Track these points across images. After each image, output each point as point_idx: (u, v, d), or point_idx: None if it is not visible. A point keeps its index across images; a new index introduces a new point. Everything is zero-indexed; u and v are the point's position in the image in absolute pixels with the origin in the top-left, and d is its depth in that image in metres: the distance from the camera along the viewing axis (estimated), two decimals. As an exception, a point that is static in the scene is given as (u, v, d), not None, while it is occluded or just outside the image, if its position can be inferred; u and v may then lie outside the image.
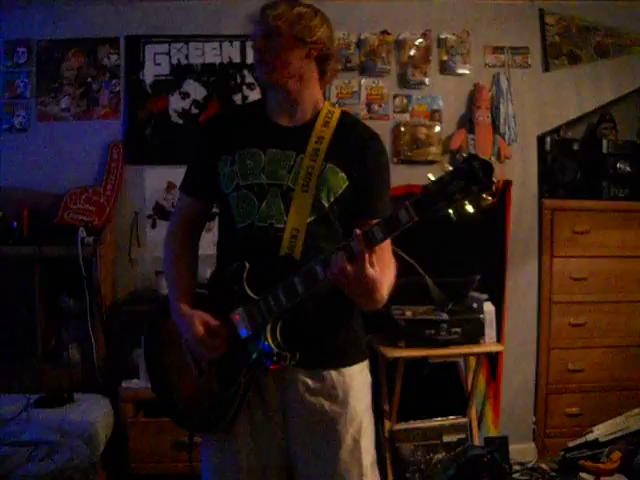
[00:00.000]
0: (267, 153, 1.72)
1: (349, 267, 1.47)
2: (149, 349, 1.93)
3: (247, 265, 1.67)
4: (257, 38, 1.73)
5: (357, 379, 1.76)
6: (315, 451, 1.71)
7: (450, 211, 1.41)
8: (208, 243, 3.46)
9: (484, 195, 1.38)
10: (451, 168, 1.40)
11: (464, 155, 1.41)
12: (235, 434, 1.71)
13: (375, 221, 1.52)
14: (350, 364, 1.76)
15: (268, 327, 1.64)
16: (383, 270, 1.57)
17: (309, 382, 1.71)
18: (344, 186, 1.71)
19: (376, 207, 1.74)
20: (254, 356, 1.65)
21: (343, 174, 1.71)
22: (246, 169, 1.72)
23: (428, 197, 1.41)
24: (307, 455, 1.72)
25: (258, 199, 1.70)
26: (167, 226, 1.93)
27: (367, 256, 1.47)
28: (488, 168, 1.36)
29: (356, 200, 1.73)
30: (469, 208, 1.41)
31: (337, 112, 1.79)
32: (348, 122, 1.79)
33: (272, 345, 1.63)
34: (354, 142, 1.75)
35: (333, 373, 1.72)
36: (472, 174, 1.37)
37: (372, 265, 1.48)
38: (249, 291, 1.67)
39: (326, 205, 1.69)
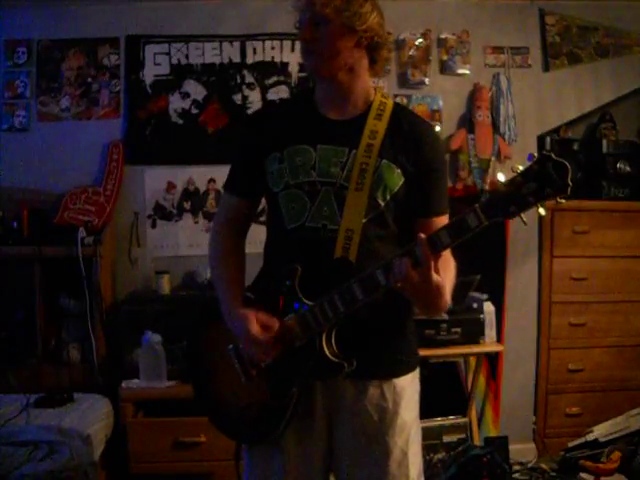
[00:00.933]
0: (318, 149, 1.63)
1: (413, 273, 1.40)
2: (194, 355, 1.85)
3: (299, 268, 1.58)
4: (303, 26, 1.61)
5: (408, 389, 1.69)
6: (361, 462, 1.64)
7: (522, 215, 1.37)
8: (207, 243, 3.51)
9: (558, 198, 1.32)
10: (522, 169, 1.33)
11: (536, 155, 1.33)
12: (282, 441, 1.64)
13: (439, 223, 1.51)
14: (402, 374, 1.68)
15: (324, 335, 1.56)
16: (445, 272, 1.51)
17: (359, 391, 1.64)
18: (400, 183, 1.62)
19: (434, 206, 1.66)
20: (308, 365, 1.57)
21: (399, 170, 1.62)
22: (296, 166, 1.63)
23: (499, 200, 1.36)
24: (352, 466, 1.65)
25: (310, 198, 1.61)
26: (212, 226, 1.85)
27: (432, 262, 1.40)
28: (563, 169, 1.30)
29: (413, 198, 1.64)
30: (542, 211, 1.35)
31: (390, 103, 1.69)
32: (402, 114, 1.69)
33: (328, 354, 1.55)
34: (409, 136, 1.65)
35: (385, 383, 1.65)
36: (546, 176, 1.30)
37: (437, 271, 1.42)
38: (302, 296, 1.58)
39: (382, 204, 1.60)
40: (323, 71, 1.64)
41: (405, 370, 1.70)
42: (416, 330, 1.75)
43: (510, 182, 1.35)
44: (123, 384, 3.10)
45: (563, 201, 1.33)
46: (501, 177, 1.39)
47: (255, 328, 1.57)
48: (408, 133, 1.65)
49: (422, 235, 1.41)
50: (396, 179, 1.62)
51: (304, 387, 1.60)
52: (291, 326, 1.58)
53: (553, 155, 1.31)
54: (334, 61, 1.61)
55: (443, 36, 3.62)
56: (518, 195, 1.34)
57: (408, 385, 1.69)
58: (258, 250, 1.77)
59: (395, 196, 1.62)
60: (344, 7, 1.57)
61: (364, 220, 1.59)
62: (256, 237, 1.87)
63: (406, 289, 1.44)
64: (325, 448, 1.67)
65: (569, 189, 1.30)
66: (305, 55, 1.67)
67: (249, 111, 3.52)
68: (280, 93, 3.54)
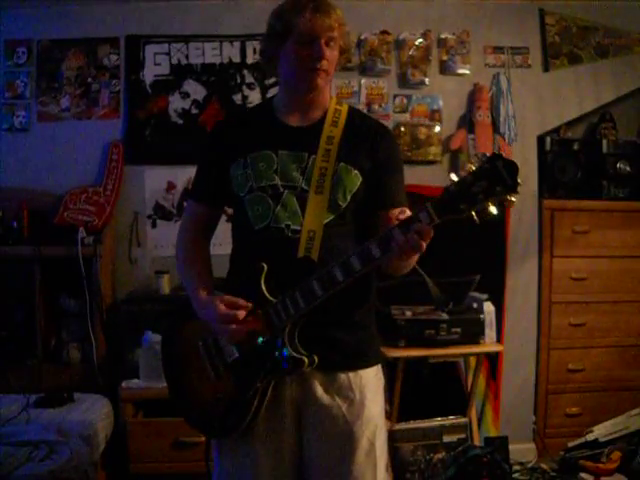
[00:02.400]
0: (279, 154, 1.72)
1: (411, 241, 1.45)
2: (167, 352, 1.93)
3: (265, 267, 1.65)
4: (319, 48, 1.65)
5: (372, 381, 1.76)
6: (329, 453, 1.69)
7: (473, 213, 1.39)
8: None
9: (509, 196, 1.35)
10: (474, 168, 1.37)
11: (487, 154, 1.37)
12: (250, 436, 1.69)
13: (397, 213, 1.58)
14: (367, 366, 1.75)
15: (286, 331, 1.62)
16: None
17: (326, 383, 1.70)
18: (358, 183, 1.71)
19: (394, 197, 1.74)
20: (272, 360, 1.63)
21: (357, 171, 1.71)
22: (259, 171, 1.71)
23: (450, 198, 1.39)
24: (321, 457, 1.70)
25: (273, 201, 1.70)
26: (178, 232, 1.89)
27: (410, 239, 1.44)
28: (513, 168, 1.33)
29: (372, 193, 1.72)
30: (493, 210, 1.38)
31: (344, 110, 1.78)
32: (356, 118, 1.79)
33: (290, 350, 1.61)
34: (364, 137, 1.75)
35: (350, 375, 1.71)
36: (496, 174, 1.34)
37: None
38: (267, 293, 1.64)
39: (342, 205, 1.69)
40: (323, 86, 1.73)
41: (370, 362, 1.77)
42: (377, 326, 1.82)
43: (461, 181, 1.39)
44: (123, 384, 3.10)
45: (513, 199, 1.36)
46: (453, 177, 1.40)
47: (222, 307, 1.63)
48: (363, 133, 1.76)
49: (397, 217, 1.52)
50: (354, 180, 1.71)
51: (269, 381, 1.66)
52: (256, 319, 1.64)
53: (503, 154, 1.36)
54: (331, 76, 1.73)
55: (443, 36, 3.62)
56: (468, 193, 1.37)
57: (373, 377, 1.76)
58: (228, 252, 1.83)
59: (354, 196, 1.71)
60: (343, 28, 1.70)
61: (325, 221, 1.68)
62: (227, 239, 1.90)
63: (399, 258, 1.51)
64: (294, 441, 1.71)
65: (518, 187, 1.34)
66: (315, 74, 1.68)
67: (249, 111, 3.53)
68: (280, 93, 3.54)
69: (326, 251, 1.65)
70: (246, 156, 1.73)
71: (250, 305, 1.64)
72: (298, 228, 1.67)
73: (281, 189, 1.70)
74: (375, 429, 1.73)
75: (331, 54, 1.68)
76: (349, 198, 1.70)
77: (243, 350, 1.68)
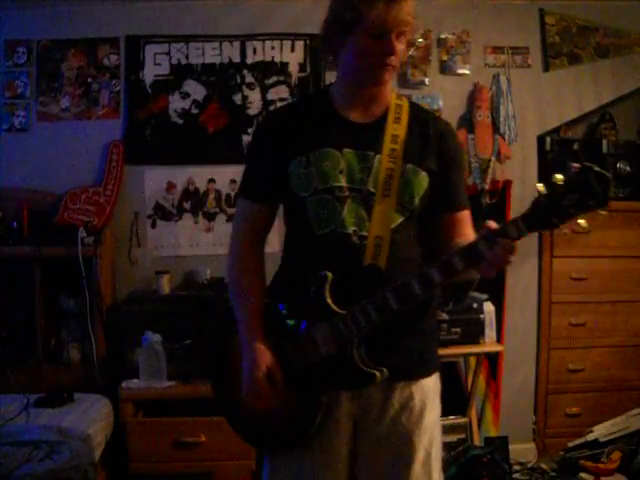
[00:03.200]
0: (344, 153, 1.61)
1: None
2: (218, 356, 1.80)
3: (330, 276, 1.55)
4: (388, 41, 1.53)
5: (433, 389, 1.70)
6: (386, 464, 1.63)
7: (562, 227, 1.36)
8: (207, 243, 3.52)
9: (600, 210, 1.30)
10: (562, 179, 1.32)
11: (577, 165, 1.31)
12: (306, 450, 1.63)
13: (463, 217, 1.63)
14: (429, 374, 1.70)
15: (355, 344, 1.54)
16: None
17: (386, 394, 1.63)
18: (426, 185, 1.62)
19: (459, 200, 1.69)
20: (340, 375, 1.56)
21: (424, 173, 1.63)
22: (324, 171, 1.59)
23: (540, 211, 1.36)
24: (377, 468, 1.64)
25: (339, 204, 1.59)
26: (231, 235, 1.74)
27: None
28: (605, 180, 1.28)
29: (437, 196, 1.65)
30: (582, 223, 1.34)
31: (405, 105, 1.68)
32: (419, 114, 1.69)
33: (359, 363, 1.54)
34: (430, 136, 1.65)
35: (412, 384, 1.65)
36: (588, 187, 1.29)
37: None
38: (332, 304, 1.55)
39: (409, 209, 1.61)
40: (388, 80, 1.62)
41: (431, 370, 1.71)
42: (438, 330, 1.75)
43: (551, 193, 1.34)
44: (123, 384, 3.10)
45: (604, 213, 1.31)
46: (541, 187, 1.35)
47: (261, 375, 1.57)
48: (428, 132, 1.66)
49: (492, 225, 1.45)
50: (422, 182, 1.62)
51: (333, 395, 1.60)
52: (319, 335, 1.56)
53: (595, 166, 1.30)
54: (397, 70, 1.64)
55: (443, 36, 3.62)
56: (560, 206, 1.33)
57: (433, 385, 1.71)
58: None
59: (422, 199, 1.63)
60: (414, 21, 1.58)
61: (392, 226, 1.59)
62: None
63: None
64: (348, 453, 1.65)
65: (609, 202, 1.30)
66: (383, 69, 1.58)
67: (249, 111, 3.52)
68: (280, 93, 3.54)
69: (393, 258, 1.57)
70: (308, 154, 1.61)
71: (282, 382, 1.59)
72: (365, 234, 1.57)
73: (347, 192, 1.59)
74: (432, 438, 1.67)
75: (400, 48, 1.56)
76: (417, 201, 1.62)
77: (306, 363, 1.59)
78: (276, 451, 1.69)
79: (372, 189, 1.59)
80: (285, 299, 1.64)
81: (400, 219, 1.61)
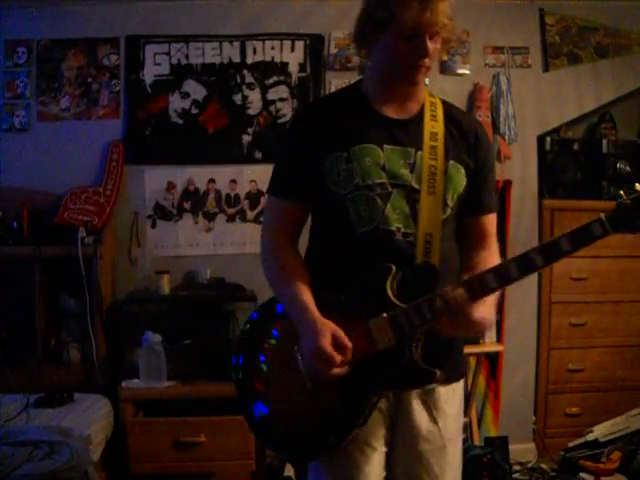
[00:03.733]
0: (385, 149, 1.57)
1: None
2: (248, 356, 1.67)
3: (393, 268, 1.50)
4: (422, 43, 1.53)
5: (460, 394, 1.69)
6: (422, 467, 1.61)
7: None
8: (207, 243, 3.52)
9: None
10: None
11: None
12: (346, 453, 1.55)
13: (489, 221, 1.64)
14: (460, 378, 1.69)
15: (414, 340, 1.49)
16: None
17: (423, 396, 1.60)
18: (464, 183, 1.61)
19: (489, 202, 1.68)
20: (394, 372, 1.50)
21: (463, 170, 1.62)
22: (366, 167, 1.55)
23: (626, 213, 1.43)
24: (413, 470, 1.61)
25: (382, 200, 1.54)
26: (263, 236, 1.68)
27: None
28: None
29: (470, 196, 1.63)
30: None
31: (438, 103, 1.67)
32: (453, 112, 1.68)
33: (419, 361, 1.49)
34: (466, 134, 1.65)
35: (447, 388, 1.63)
36: None
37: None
38: (393, 297, 1.50)
39: (450, 206, 1.59)
40: (421, 81, 1.61)
41: (461, 374, 1.71)
42: None
43: (637, 198, 1.44)
44: (123, 384, 3.10)
45: None
46: (639, 187, 1.44)
47: (326, 340, 1.46)
48: (465, 131, 1.65)
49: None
50: (462, 179, 1.61)
51: (384, 394, 1.55)
52: (379, 328, 1.49)
53: None
54: (431, 70, 1.62)
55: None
56: None
57: (460, 390, 1.69)
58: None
59: (460, 196, 1.62)
60: (450, 21, 1.57)
61: (440, 223, 1.57)
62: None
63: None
64: (383, 453, 1.61)
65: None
66: (417, 71, 1.57)
67: (249, 111, 3.52)
68: (280, 93, 3.54)
69: (442, 255, 1.54)
70: (348, 149, 1.56)
71: (351, 348, 1.48)
72: (410, 231, 1.54)
73: (390, 188, 1.55)
74: (459, 442, 1.68)
75: (434, 49, 1.56)
76: (456, 198, 1.60)
77: (354, 359, 1.50)
78: (316, 458, 1.60)
79: (416, 185, 1.56)
80: (333, 292, 1.56)
81: (445, 215, 1.58)
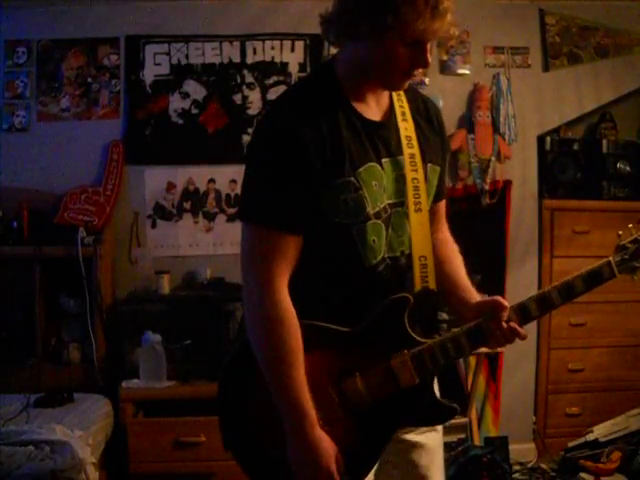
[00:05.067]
0: (383, 165, 1.42)
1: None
2: (250, 397, 1.46)
3: (411, 299, 1.40)
4: (425, 52, 1.39)
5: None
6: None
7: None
8: (207, 243, 3.52)
9: None
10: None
11: None
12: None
13: (443, 207, 1.60)
14: None
15: (434, 377, 1.45)
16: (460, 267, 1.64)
17: None
18: (437, 180, 1.53)
19: (445, 188, 1.61)
20: (420, 409, 1.44)
21: (439, 169, 1.52)
22: (374, 192, 1.39)
23: (631, 257, 1.54)
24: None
25: (385, 225, 1.42)
26: (260, 280, 1.35)
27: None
28: None
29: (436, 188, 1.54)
30: None
31: (401, 93, 1.50)
32: (414, 99, 1.54)
33: (439, 398, 1.45)
34: (432, 120, 1.55)
35: None
36: None
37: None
38: (412, 332, 1.40)
39: (428, 208, 1.49)
40: (404, 87, 1.48)
41: None
42: None
43: (634, 240, 1.56)
44: (123, 384, 3.10)
45: None
46: (632, 230, 1.60)
47: (332, 466, 1.35)
48: (430, 117, 1.56)
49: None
50: (436, 179, 1.53)
51: (403, 430, 1.48)
52: (401, 366, 1.39)
53: None
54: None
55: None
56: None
57: None
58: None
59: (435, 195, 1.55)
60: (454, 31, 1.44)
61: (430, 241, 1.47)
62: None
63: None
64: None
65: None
66: (407, 78, 1.44)
67: (249, 111, 3.52)
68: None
69: (437, 274, 1.46)
70: (355, 173, 1.36)
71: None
72: (409, 251, 1.44)
73: (389, 209, 1.42)
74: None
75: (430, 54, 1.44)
76: (431, 200, 1.51)
77: (377, 398, 1.40)
78: None
79: (404, 198, 1.45)
80: (338, 323, 1.41)
81: (430, 228, 1.48)
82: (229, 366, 1.49)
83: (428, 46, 1.39)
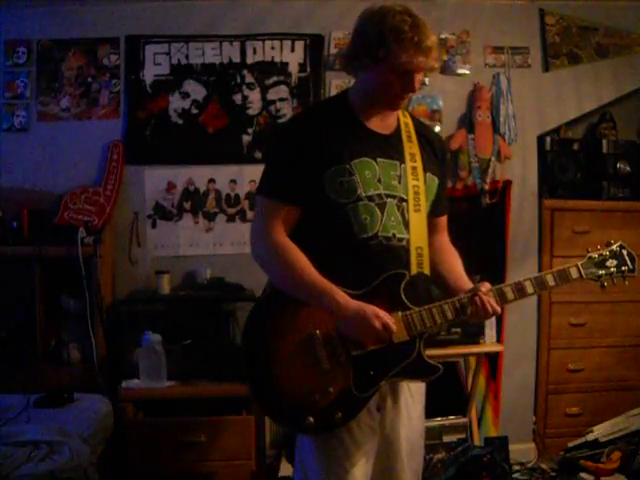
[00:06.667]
0: (378, 163, 1.78)
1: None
2: (261, 337, 1.78)
3: (407, 275, 1.75)
4: (412, 79, 1.74)
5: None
6: (410, 451, 1.85)
7: (603, 277, 1.90)
8: (207, 243, 3.52)
9: (628, 275, 1.92)
10: (607, 252, 1.91)
11: (616, 243, 1.95)
12: (347, 434, 1.75)
13: (443, 221, 1.97)
14: None
15: (423, 337, 1.75)
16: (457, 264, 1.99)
17: (411, 388, 1.88)
18: (435, 191, 1.89)
19: (445, 205, 1.98)
20: (407, 362, 1.74)
21: (437, 180, 1.88)
22: (366, 179, 1.75)
23: (593, 264, 1.89)
24: (405, 454, 1.84)
25: (380, 210, 1.76)
26: (256, 233, 1.82)
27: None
28: (633, 259, 1.91)
29: (437, 201, 1.90)
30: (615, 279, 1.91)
31: (409, 122, 1.88)
32: (422, 130, 1.91)
33: (425, 356, 1.75)
34: (435, 151, 1.90)
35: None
36: (622, 259, 1.91)
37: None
38: (406, 299, 1.74)
39: (427, 211, 1.85)
40: (402, 106, 1.84)
41: None
42: None
43: (600, 255, 1.92)
44: (123, 384, 3.09)
45: (633, 276, 1.92)
46: (594, 252, 1.94)
47: (378, 324, 1.68)
48: (434, 149, 1.90)
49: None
50: (435, 188, 1.88)
51: (390, 381, 1.76)
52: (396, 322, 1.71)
53: (626, 245, 1.92)
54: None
55: (443, 36, 3.61)
56: (604, 265, 1.91)
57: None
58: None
59: (432, 201, 1.88)
60: (437, 64, 1.83)
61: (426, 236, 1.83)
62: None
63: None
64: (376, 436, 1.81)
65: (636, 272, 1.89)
66: (401, 100, 1.80)
67: (249, 111, 3.52)
68: (280, 93, 3.54)
69: (431, 264, 1.82)
70: (350, 163, 1.74)
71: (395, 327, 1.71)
72: (403, 236, 1.78)
73: (385, 198, 1.77)
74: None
75: (420, 80, 1.76)
76: (430, 204, 1.86)
77: (371, 349, 1.73)
78: (320, 433, 1.74)
79: (404, 195, 1.79)
80: (355, 294, 1.74)
81: (427, 226, 1.83)
82: (254, 310, 1.81)
83: (416, 76, 1.72)
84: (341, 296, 1.70)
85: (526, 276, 1.83)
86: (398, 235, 1.77)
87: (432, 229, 1.89)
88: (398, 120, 1.86)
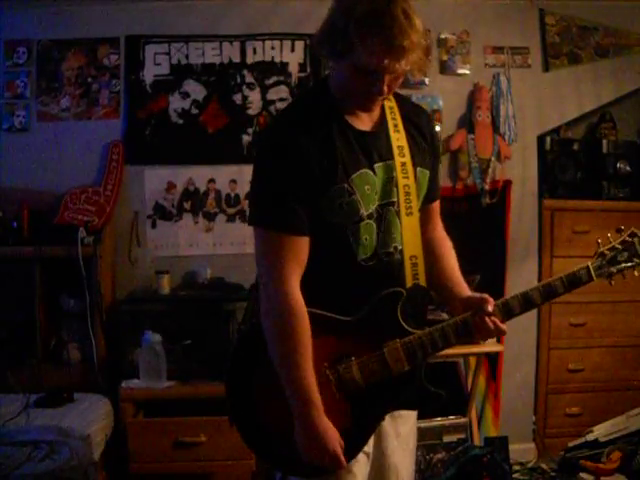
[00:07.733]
0: (375, 170, 1.56)
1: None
2: (243, 378, 1.61)
3: (404, 293, 1.55)
4: (381, 81, 1.45)
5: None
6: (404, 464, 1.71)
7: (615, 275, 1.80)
8: (207, 243, 3.52)
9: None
10: (619, 244, 1.81)
11: (627, 231, 1.83)
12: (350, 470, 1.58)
13: (437, 207, 1.75)
14: None
15: (424, 365, 1.58)
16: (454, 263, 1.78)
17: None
18: (427, 184, 1.67)
19: (439, 190, 1.77)
20: (408, 393, 1.58)
21: (427, 171, 1.66)
22: (367, 196, 1.54)
23: (606, 262, 1.82)
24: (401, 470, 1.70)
25: (377, 224, 1.56)
26: (273, 279, 1.51)
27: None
28: None
29: (428, 189, 1.68)
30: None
31: (394, 104, 1.62)
32: (409, 113, 1.65)
33: (426, 384, 1.59)
34: (424, 134, 1.66)
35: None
36: (634, 248, 1.78)
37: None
38: (404, 323, 1.55)
39: (419, 208, 1.64)
40: (376, 108, 1.58)
41: None
42: None
43: (612, 248, 1.82)
44: (123, 384, 3.10)
45: None
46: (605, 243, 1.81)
47: (340, 451, 1.49)
48: (423, 132, 1.67)
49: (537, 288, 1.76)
50: (426, 182, 1.67)
51: (391, 412, 1.62)
52: (393, 354, 1.54)
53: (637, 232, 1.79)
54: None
55: (443, 36, 3.62)
56: (615, 260, 1.81)
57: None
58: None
59: (424, 196, 1.68)
60: (408, 68, 1.48)
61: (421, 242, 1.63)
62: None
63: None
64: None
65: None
66: (370, 101, 1.53)
67: (249, 111, 3.52)
68: (280, 93, 3.54)
69: (427, 273, 1.63)
70: (347, 180, 1.51)
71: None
72: (400, 247, 1.59)
73: (381, 210, 1.57)
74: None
75: (394, 84, 1.50)
76: (422, 200, 1.66)
77: (370, 382, 1.55)
78: (325, 474, 1.56)
79: (397, 199, 1.60)
80: (343, 313, 1.55)
81: (420, 219, 1.64)
82: (239, 345, 1.64)
83: (386, 77, 1.44)
84: (317, 411, 1.47)
85: (532, 285, 1.78)
86: (399, 247, 1.58)
87: (426, 218, 1.70)
88: (382, 107, 1.60)
